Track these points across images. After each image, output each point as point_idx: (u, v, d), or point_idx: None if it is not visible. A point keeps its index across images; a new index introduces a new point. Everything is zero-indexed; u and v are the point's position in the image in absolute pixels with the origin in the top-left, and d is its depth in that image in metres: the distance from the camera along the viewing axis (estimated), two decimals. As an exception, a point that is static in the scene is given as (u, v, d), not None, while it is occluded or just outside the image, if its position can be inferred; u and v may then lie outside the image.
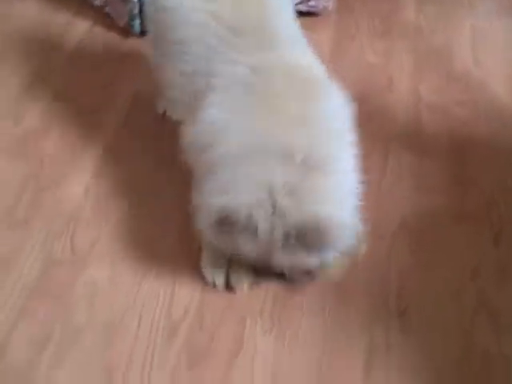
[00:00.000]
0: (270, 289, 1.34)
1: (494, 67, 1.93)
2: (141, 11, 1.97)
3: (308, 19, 2.10)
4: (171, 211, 1.48)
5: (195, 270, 1.37)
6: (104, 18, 2.07)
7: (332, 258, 1.27)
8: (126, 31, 2.01)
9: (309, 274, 1.30)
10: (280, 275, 1.32)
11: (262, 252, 1.23)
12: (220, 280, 1.34)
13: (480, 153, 1.66)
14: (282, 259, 1.23)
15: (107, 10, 2.07)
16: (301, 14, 2.09)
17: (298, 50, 1.42)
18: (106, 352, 1.23)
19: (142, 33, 1.97)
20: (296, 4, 2.07)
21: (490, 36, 2.06)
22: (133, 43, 1.98)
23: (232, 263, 1.34)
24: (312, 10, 2.10)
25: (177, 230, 1.44)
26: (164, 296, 1.33)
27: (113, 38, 2.01)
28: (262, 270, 1.32)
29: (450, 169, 1.61)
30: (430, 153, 1.60)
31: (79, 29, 2.04)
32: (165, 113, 1.68)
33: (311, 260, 1.23)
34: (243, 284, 1.33)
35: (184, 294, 1.33)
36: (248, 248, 1.22)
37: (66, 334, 1.25)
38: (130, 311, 1.30)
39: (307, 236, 1.17)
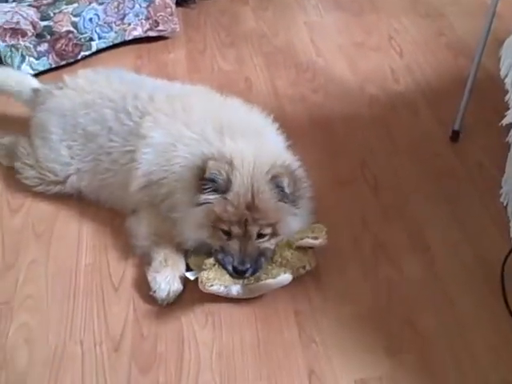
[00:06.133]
0: (195, 285, 1.44)
1: (334, 54, 2.17)
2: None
3: (160, 43, 2.24)
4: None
5: (122, 284, 1.45)
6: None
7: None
8: None
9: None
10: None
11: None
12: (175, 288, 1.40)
13: (340, 128, 1.88)
14: None
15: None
16: (152, 38, 2.24)
17: None
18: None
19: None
20: (145, 31, 2.20)
21: (323, 28, 2.31)
22: None
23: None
24: (162, 33, 2.24)
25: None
26: (98, 315, 1.39)
27: None
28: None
29: (320, 147, 1.81)
30: (298, 137, 1.74)
31: None
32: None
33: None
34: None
35: (117, 310, 1.40)
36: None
37: (11, 379, 1.27)
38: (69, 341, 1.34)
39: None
